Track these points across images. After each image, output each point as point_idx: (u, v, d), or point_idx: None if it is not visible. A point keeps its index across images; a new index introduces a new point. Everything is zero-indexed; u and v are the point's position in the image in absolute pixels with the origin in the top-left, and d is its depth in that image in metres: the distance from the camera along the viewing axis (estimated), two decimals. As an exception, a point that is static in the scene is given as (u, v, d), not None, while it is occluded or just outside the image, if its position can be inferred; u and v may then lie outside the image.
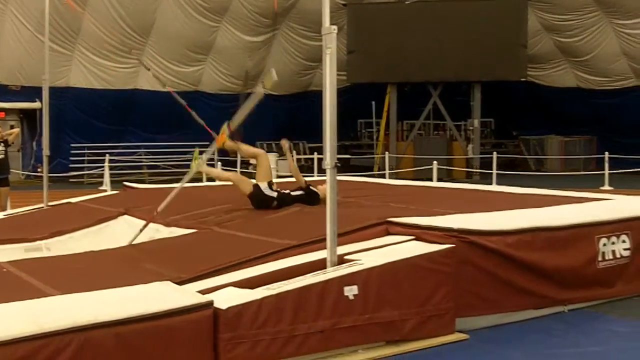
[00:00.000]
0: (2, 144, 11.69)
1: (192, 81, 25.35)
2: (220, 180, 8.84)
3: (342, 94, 18.72)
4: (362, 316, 4.84)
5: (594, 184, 18.62)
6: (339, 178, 5.36)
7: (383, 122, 25.01)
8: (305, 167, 24.48)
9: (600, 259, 6.19)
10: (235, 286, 4.79)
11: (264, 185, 7.55)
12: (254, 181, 7.64)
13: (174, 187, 7.25)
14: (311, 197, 7.67)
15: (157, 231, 7.08)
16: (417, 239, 5.68)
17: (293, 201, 7.60)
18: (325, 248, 5.17)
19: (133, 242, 6.72)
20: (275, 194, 7.55)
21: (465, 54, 22.73)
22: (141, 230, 6.86)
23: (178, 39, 23.97)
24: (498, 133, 27.66)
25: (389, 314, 4.96)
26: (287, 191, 7.68)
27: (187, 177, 7.22)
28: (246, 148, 8.24)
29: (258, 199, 7.52)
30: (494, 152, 20.69)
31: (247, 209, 7.54)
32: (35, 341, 3.71)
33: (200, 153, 7.83)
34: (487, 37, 22.71)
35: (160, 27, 23.60)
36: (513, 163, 25.21)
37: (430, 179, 18.37)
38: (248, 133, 25.40)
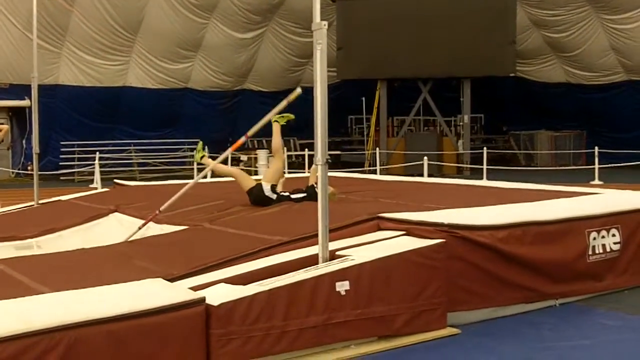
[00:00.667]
0: (-9, 142, 11.65)
1: (181, 78, 25.30)
2: (222, 174, 8.73)
3: (332, 90, 18.77)
4: (354, 311, 4.84)
5: (584, 178, 18.70)
6: (330, 174, 5.36)
7: (373, 118, 25.02)
8: (296, 164, 24.49)
9: (590, 253, 6.22)
10: (227, 282, 4.78)
11: (266, 187, 7.48)
12: (257, 177, 7.57)
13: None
14: (311, 201, 7.47)
15: (148, 228, 7.07)
16: (408, 234, 5.69)
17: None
18: (316, 244, 5.18)
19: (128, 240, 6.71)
20: (274, 197, 7.50)
21: (454, 50, 22.79)
22: (139, 228, 6.86)
23: (167, 36, 23.91)
24: (488, 128, 27.73)
25: (380, 309, 4.96)
26: (287, 193, 7.64)
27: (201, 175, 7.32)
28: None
29: (257, 198, 7.47)
30: (484, 148, 20.76)
31: (238, 206, 7.53)
32: (26, 339, 3.68)
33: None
34: (476, 32, 22.78)
35: (148, 24, 23.53)
36: (503, 158, 25.28)
37: (421, 175, 18.39)
38: (239, 130, 25.54)
